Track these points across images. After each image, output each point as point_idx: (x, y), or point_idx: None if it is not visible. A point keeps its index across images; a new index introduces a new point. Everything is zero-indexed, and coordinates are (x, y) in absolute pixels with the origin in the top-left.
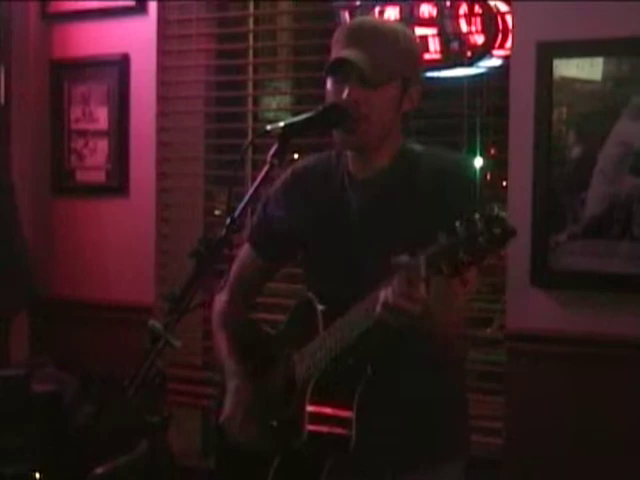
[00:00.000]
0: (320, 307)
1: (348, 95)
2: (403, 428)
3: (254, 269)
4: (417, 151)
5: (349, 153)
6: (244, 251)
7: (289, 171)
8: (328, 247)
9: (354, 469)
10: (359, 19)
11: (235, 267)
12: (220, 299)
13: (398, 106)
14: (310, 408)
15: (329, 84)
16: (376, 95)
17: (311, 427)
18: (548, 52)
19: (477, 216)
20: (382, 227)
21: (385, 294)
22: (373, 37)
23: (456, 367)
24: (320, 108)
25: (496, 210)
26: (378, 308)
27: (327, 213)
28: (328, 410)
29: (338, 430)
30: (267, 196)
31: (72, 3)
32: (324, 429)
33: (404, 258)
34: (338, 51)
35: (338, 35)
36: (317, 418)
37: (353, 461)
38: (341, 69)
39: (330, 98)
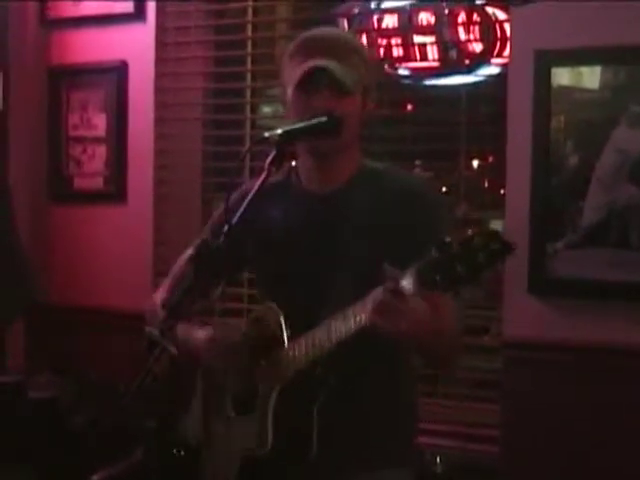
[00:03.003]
0: (284, 320)
1: (322, 103)
2: (352, 433)
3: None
4: (377, 169)
5: (307, 168)
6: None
7: (239, 190)
8: (288, 263)
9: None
10: (316, 30)
11: (175, 274)
12: (155, 299)
13: (361, 115)
14: (273, 420)
15: (296, 96)
16: (348, 102)
17: (274, 438)
18: (546, 60)
19: (471, 232)
20: (345, 242)
21: (373, 304)
22: (341, 47)
23: (411, 383)
24: (317, 116)
25: (492, 227)
26: (365, 318)
27: (285, 229)
28: (290, 421)
29: (299, 441)
30: (220, 213)
31: (70, 9)
32: (286, 440)
33: (393, 271)
34: (304, 62)
35: (298, 47)
36: (279, 429)
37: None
38: (312, 80)
39: (299, 109)
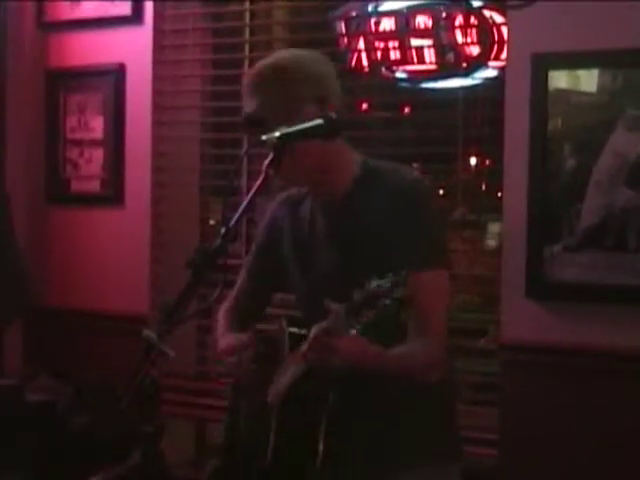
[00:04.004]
0: (288, 330)
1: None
2: (386, 433)
3: (250, 293)
4: (378, 169)
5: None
6: (240, 276)
7: (270, 204)
8: (298, 272)
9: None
10: (259, 65)
11: (235, 290)
12: (223, 308)
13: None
14: (275, 432)
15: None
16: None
17: (275, 452)
18: (543, 63)
19: (389, 276)
20: (344, 250)
21: (307, 342)
22: (262, 81)
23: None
24: (315, 118)
25: (403, 273)
26: (302, 356)
27: (297, 239)
28: (294, 435)
29: (304, 455)
30: (259, 227)
31: (68, 12)
32: (290, 454)
33: (335, 306)
34: (245, 102)
35: (244, 85)
36: (282, 442)
37: (344, 470)
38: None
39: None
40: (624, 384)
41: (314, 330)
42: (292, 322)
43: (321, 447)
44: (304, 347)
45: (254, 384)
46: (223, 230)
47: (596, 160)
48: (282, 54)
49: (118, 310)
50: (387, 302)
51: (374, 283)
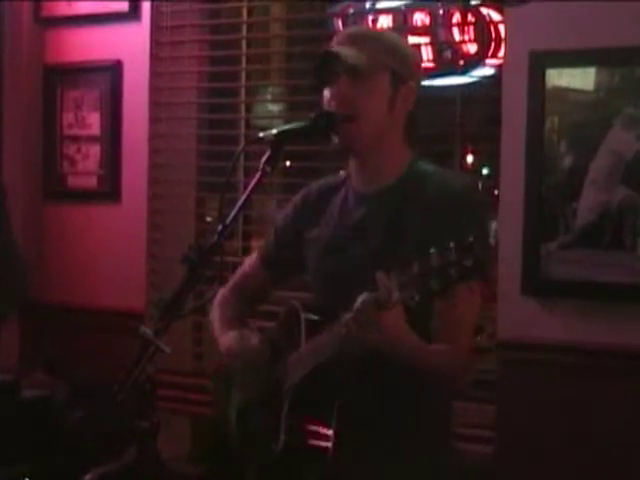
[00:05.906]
0: (305, 317)
1: (337, 90)
2: (387, 449)
3: (256, 278)
4: (427, 171)
5: (352, 167)
6: (250, 260)
7: (302, 190)
8: (322, 259)
9: None
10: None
11: (238, 273)
12: (221, 294)
13: (390, 104)
14: (288, 418)
15: (324, 92)
16: (364, 87)
17: (287, 438)
18: (541, 61)
19: (452, 245)
20: (376, 243)
21: (348, 316)
22: (356, 34)
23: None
24: (313, 116)
25: (471, 239)
26: (341, 329)
27: (327, 227)
28: (306, 422)
29: (316, 443)
30: (281, 213)
31: (65, 8)
32: (301, 441)
33: (382, 278)
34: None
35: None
36: (294, 429)
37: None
38: (328, 73)
39: (325, 103)
40: (621, 382)
41: (361, 299)
42: (305, 307)
43: (333, 435)
44: (347, 316)
45: (261, 371)
46: (219, 227)
47: (593, 158)
48: None
49: (114, 306)
50: (454, 269)
51: (434, 252)
